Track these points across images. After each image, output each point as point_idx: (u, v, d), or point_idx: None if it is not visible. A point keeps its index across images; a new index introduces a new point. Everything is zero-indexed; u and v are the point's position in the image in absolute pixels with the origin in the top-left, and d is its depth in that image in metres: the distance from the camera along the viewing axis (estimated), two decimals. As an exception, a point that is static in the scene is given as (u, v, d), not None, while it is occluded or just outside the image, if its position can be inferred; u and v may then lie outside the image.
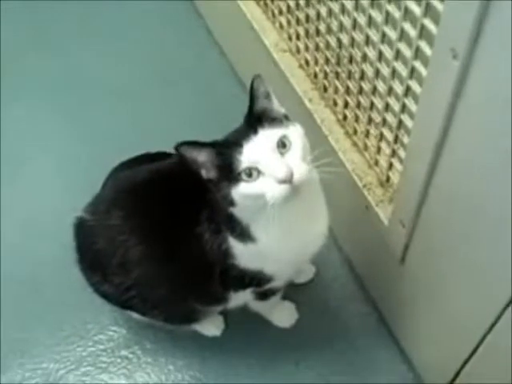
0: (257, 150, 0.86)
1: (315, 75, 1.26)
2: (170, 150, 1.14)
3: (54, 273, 1.43)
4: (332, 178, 0.93)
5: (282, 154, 0.87)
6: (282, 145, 0.87)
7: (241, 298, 1.14)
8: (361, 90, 1.09)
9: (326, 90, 1.25)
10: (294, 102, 1.28)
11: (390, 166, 1.09)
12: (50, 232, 1.49)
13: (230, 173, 0.87)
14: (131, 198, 1.06)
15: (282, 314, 1.35)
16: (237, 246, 0.98)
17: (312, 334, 1.35)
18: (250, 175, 0.86)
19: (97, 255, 1.09)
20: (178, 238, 1.01)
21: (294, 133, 0.90)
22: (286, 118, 0.95)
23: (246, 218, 0.94)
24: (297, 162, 0.87)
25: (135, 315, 1.22)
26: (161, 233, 1.03)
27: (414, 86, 0.90)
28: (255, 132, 0.87)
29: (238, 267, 1.01)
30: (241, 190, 0.87)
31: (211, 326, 1.34)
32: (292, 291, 1.34)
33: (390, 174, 1.11)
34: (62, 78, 1.82)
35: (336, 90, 1.19)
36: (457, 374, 1.11)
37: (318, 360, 1.32)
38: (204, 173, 0.90)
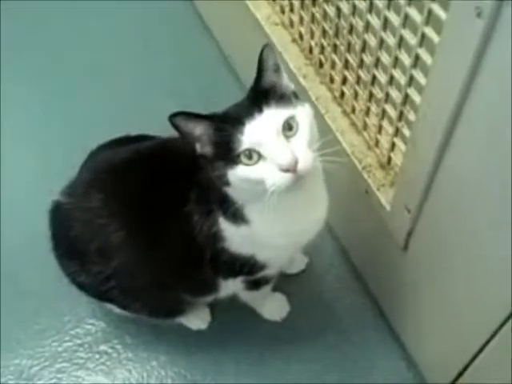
0: (260, 131, 0.78)
1: (310, 50, 1.17)
2: (153, 131, 1.07)
3: (27, 261, 1.34)
4: (335, 167, 0.84)
5: (287, 137, 0.79)
6: (289, 127, 0.80)
7: (230, 286, 1.06)
8: (361, 64, 1.00)
9: (321, 65, 1.16)
10: (289, 80, 1.19)
11: (393, 146, 1.01)
12: (23, 218, 1.39)
13: (227, 152, 0.79)
14: (111, 178, 0.98)
15: (273, 307, 1.27)
16: (228, 229, 0.90)
17: (304, 327, 1.27)
18: (249, 157, 0.79)
19: (74, 242, 1.01)
20: (164, 221, 0.93)
21: (303, 114, 0.82)
22: (295, 95, 0.86)
23: (242, 199, 0.86)
24: (303, 149, 0.79)
25: (115, 309, 1.13)
26: (144, 216, 0.94)
27: (424, 55, 0.81)
28: (260, 110, 0.79)
29: (229, 251, 0.93)
30: (238, 173, 0.80)
31: (197, 319, 1.26)
32: (283, 282, 1.26)
33: (392, 155, 1.02)
34: (41, 58, 1.71)
35: (333, 65, 1.11)
36: (462, 372, 1.04)
37: (311, 355, 1.24)
38: (198, 147, 0.83)
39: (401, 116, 0.94)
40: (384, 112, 0.99)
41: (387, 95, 0.96)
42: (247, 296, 1.14)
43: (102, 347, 1.26)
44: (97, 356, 1.24)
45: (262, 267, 0.98)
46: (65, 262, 1.06)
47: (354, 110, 1.10)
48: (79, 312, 1.29)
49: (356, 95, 1.07)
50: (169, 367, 1.23)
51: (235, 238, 0.92)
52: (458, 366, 1.04)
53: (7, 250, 1.35)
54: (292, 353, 1.24)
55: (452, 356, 1.06)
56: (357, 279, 1.31)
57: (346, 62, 1.05)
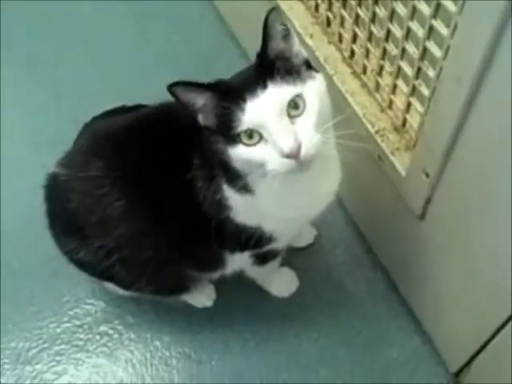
0: (262, 111, 0.72)
1: (316, 7, 1.10)
2: (150, 102, 1.00)
3: (21, 240, 1.28)
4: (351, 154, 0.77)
5: (292, 117, 0.73)
6: (294, 106, 0.73)
7: (237, 262, 1.00)
8: (374, 18, 0.93)
9: (329, 23, 1.08)
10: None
11: (408, 106, 0.94)
12: (14, 195, 1.33)
13: (227, 129, 0.74)
14: (110, 145, 0.91)
15: (281, 282, 1.21)
16: (233, 197, 0.84)
17: (314, 303, 1.21)
18: (250, 137, 0.73)
19: (72, 215, 0.94)
20: (166, 189, 0.87)
21: (312, 91, 0.75)
22: (308, 64, 0.79)
23: (245, 172, 0.79)
24: (308, 132, 0.73)
25: (118, 290, 1.08)
26: (146, 184, 0.88)
27: (447, 2, 0.74)
28: (264, 86, 0.72)
29: (234, 222, 0.87)
30: (238, 153, 0.75)
31: (201, 296, 1.20)
32: (292, 257, 1.20)
33: (408, 116, 0.95)
34: (31, 26, 1.63)
35: (342, 22, 1.03)
36: (479, 351, 0.98)
37: (322, 332, 1.18)
38: (201, 118, 0.77)
39: (418, 73, 0.87)
40: (399, 70, 0.92)
41: (403, 51, 0.88)
42: (254, 271, 1.08)
43: (103, 328, 1.19)
44: (97, 337, 1.18)
45: (268, 240, 0.92)
46: (62, 240, 1.00)
47: (365, 70, 1.03)
48: (78, 292, 1.23)
49: (367, 54, 0.99)
50: (173, 347, 1.17)
51: (240, 207, 0.86)
52: (475, 345, 0.98)
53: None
54: (302, 330, 1.18)
55: (469, 333, 1.00)
56: (367, 252, 1.25)
57: (357, 17, 0.97)
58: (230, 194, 0.84)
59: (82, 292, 1.23)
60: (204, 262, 0.99)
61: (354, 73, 1.05)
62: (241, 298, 1.20)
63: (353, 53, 1.04)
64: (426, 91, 0.86)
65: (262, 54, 0.75)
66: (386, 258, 1.22)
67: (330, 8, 1.05)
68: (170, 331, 1.19)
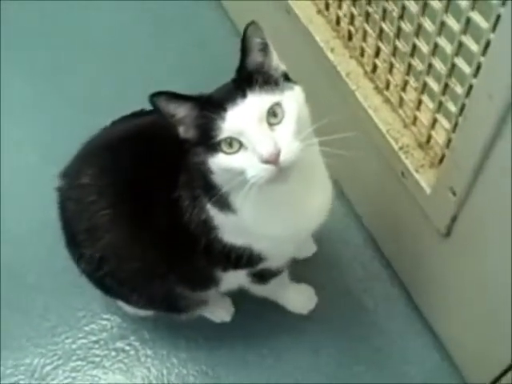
0: (242, 119, 0.73)
1: (337, 21, 1.09)
2: None
3: (35, 253, 1.27)
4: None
5: (271, 125, 0.74)
6: (273, 114, 0.74)
7: (232, 279, 0.98)
8: (399, 32, 0.92)
9: (350, 37, 1.07)
10: (314, 55, 1.11)
11: (434, 123, 0.92)
12: (27, 206, 1.32)
13: (208, 139, 0.74)
14: (103, 154, 0.93)
15: (299, 299, 1.19)
16: (217, 216, 0.84)
17: (332, 319, 1.19)
18: (230, 146, 0.74)
19: (68, 224, 0.96)
20: (154, 203, 0.87)
21: (290, 100, 0.75)
22: (286, 77, 0.79)
23: (225, 187, 0.78)
24: (287, 139, 0.73)
25: (124, 306, 1.06)
26: (134, 195, 0.88)
27: (477, 17, 0.72)
28: (243, 95, 0.73)
29: (222, 242, 0.87)
30: (218, 162, 0.75)
31: (220, 311, 1.18)
32: (308, 272, 1.19)
33: (433, 133, 0.94)
34: (41, 34, 1.62)
35: (364, 37, 1.02)
36: (504, 373, 0.96)
37: (340, 348, 1.17)
38: (182, 131, 0.78)
39: (445, 89, 0.86)
40: (425, 86, 0.90)
41: (429, 67, 0.87)
42: (258, 289, 1.06)
43: (119, 344, 1.18)
44: (113, 353, 1.17)
45: (258, 259, 0.90)
46: (69, 250, 1.00)
47: (388, 86, 1.01)
48: (93, 306, 1.21)
49: (391, 69, 0.98)
50: (190, 364, 1.16)
51: (226, 226, 0.85)
52: (499, 365, 0.96)
53: (11, 242, 1.28)
54: (319, 346, 1.16)
55: (493, 354, 0.98)
56: (386, 268, 1.23)
57: (381, 31, 0.96)
58: (214, 213, 0.83)
59: (98, 307, 1.21)
60: (193, 279, 0.97)
61: (376, 88, 1.04)
62: (258, 312, 1.17)
63: (375, 67, 1.03)
64: (453, 108, 0.85)
65: (241, 67, 0.76)
66: (405, 275, 1.20)
67: (351, 22, 1.04)
68: (186, 347, 1.17)
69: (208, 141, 0.74)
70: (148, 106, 1.00)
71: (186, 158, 0.80)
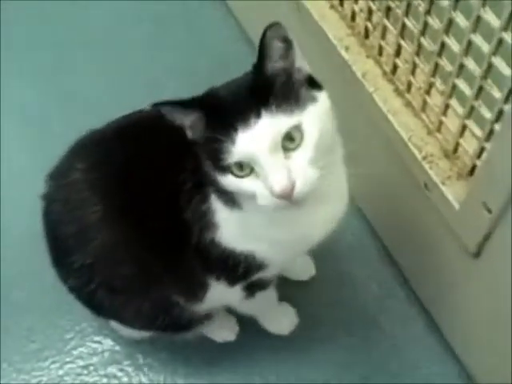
0: (254, 143, 0.65)
1: (353, 17, 0.99)
2: None
3: (20, 268, 1.17)
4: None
5: (287, 150, 0.66)
6: (290, 139, 0.66)
7: (221, 294, 0.88)
8: (424, 29, 0.82)
9: (367, 35, 0.97)
10: (327, 54, 1.01)
11: (463, 130, 0.82)
12: (15, 215, 1.22)
13: (216, 160, 0.67)
14: (95, 147, 0.85)
15: (280, 319, 1.09)
16: (221, 211, 0.76)
17: (345, 342, 1.10)
18: (241, 168, 0.67)
19: (54, 231, 0.87)
20: (150, 196, 0.80)
21: (312, 118, 0.66)
22: (311, 81, 0.70)
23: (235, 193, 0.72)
24: (303, 167, 0.66)
25: (120, 328, 0.98)
26: (128, 188, 0.80)
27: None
28: (257, 114, 0.65)
29: (220, 246, 0.79)
30: (228, 182, 0.69)
31: (222, 330, 1.09)
32: (319, 291, 1.11)
33: (462, 141, 0.84)
34: (40, 33, 1.52)
35: (384, 34, 0.92)
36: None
37: (354, 375, 1.07)
38: (190, 134, 0.71)
39: (479, 93, 0.76)
40: (454, 88, 0.81)
41: (461, 67, 0.77)
42: (245, 307, 0.97)
43: (111, 369, 1.09)
44: (104, 380, 1.07)
45: (259, 267, 0.82)
46: (57, 264, 0.91)
47: (409, 88, 0.91)
48: (83, 328, 1.12)
49: (414, 69, 0.88)
50: (188, 392, 1.06)
51: (228, 224, 0.77)
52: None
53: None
54: (332, 373, 1.07)
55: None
56: (404, 287, 1.13)
57: (403, 28, 0.86)
58: (218, 207, 0.76)
59: (88, 328, 1.12)
60: (187, 282, 0.88)
61: (396, 90, 0.94)
62: (263, 333, 1.08)
63: (395, 68, 0.93)
64: (488, 114, 0.75)
65: (258, 71, 0.67)
66: (425, 295, 1.10)
67: (369, 18, 0.94)
68: (185, 373, 1.08)
69: (217, 162, 0.68)
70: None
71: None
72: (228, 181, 0.68)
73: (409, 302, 1.12)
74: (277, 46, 0.67)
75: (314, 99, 0.68)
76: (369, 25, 0.95)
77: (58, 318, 1.12)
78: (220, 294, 0.88)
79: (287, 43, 0.68)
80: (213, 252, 0.80)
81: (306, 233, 0.80)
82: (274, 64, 0.67)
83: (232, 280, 0.85)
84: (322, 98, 0.69)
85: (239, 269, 0.81)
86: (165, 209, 0.79)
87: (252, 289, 0.90)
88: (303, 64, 0.70)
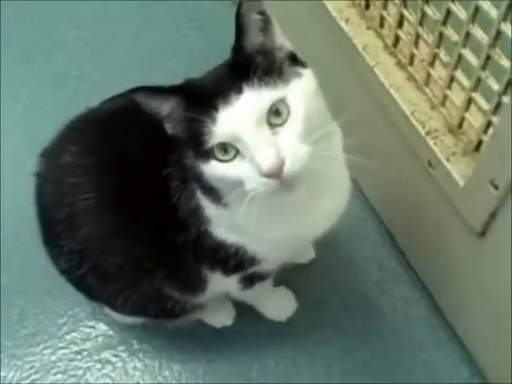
0: (237, 121, 0.61)
1: (353, -13, 0.95)
2: None
3: (11, 251, 1.14)
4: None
5: (273, 126, 0.62)
6: (276, 113, 0.62)
7: (220, 284, 0.85)
8: (428, -3, 0.78)
9: (368, 5, 0.93)
10: (326, 26, 0.98)
11: (468, 103, 0.78)
12: (5, 199, 1.19)
13: (198, 143, 0.63)
14: (88, 130, 0.82)
15: (277, 305, 1.06)
16: (208, 207, 0.73)
17: (346, 327, 1.06)
18: (225, 151, 0.63)
19: (46, 212, 0.84)
20: (143, 184, 0.76)
21: (297, 92, 0.62)
22: (293, 58, 0.66)
23: (220, 188, 0.68)
24: (293, 144, 0.61)
25: (113, 313, 0.95)
26: (120, 175, 0.77)
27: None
28: (239, 90, 0.61)
29: (212, 236, 0.75)
30: (211, 169, 0.64)
31: (219, 315, 1.06)
32: (318, 273, 1.07)
33: (467, 115, 0.80)
34: (33, 16, 1.47)
35: (385, 4, 0.88)
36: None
37: (355, 361, 1.03)
38: (168, 127, 0.67)
39: (486, 63, 0.72)
40: (459, 59, 0.77)
41: (467, 36, 0.73)
42: (241, 295, 0.94)
43: (104, 355, 1.06)
44: (98, 366, 1.05)
45: (252, 262, 0.78)
46: (48, 245, 0.88)
47: (412, 60, 0.87)
48: (76, 312, 1.09)
49: (417, 40, 0.84)
50: (184, 378, 1.03)
51: (217, 219, 0.74)
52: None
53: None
54: (332, 358, 1.03)
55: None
56: (406, 269, 1.10)
57: (406, -4, 0.82)
58: (205, 203, 0.72)
59: (82, 313, 1.09)
60: (181, 277, 0.85)
61: (398, 63, 0.90)
62: (262, 318, 1.05)
63: (397, 40, 0.89)
64: (495, 85, 0.71)
65: (237, 49, 0.64)
66: (428, 277, 1.07)
67: (369, -13, 0.91)
68: (181, 359, 1.05)
69: (198, 146, 0.63)
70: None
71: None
72: (212, 168, 0.64)
73: (411, 285, 1.09)
74: (254, 19, 0.63)
75: (298, 75, 0.64)
76: (369, -5, 0.92)
77: (51, 303, 1.09)
78: (217, 283, 0.85)
79: (265, 17, 0.64)
80: (205, 242, 0.76)
81: (297, 231, 0.75)
82: (254, 39, 0.64)
83: (226, 271, 0.82)
84: (307, 74, 0.65)
85: (231, 261, 0.77)
86: (157, 202, 0.76)
87: (249, 280, 0.86)
88: (284, 41, 0.67)
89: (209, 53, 1.34)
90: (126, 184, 0.77)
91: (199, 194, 0.72)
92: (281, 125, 0.62)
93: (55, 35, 1.42)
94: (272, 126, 0.62)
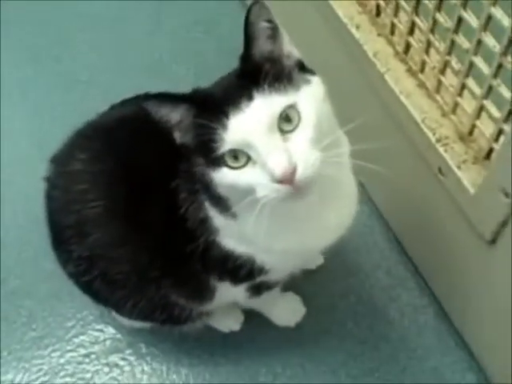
0: (248, 127, 0.61)
1: (364, -6, 0.95)
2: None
3: (20, 253, 1.14)
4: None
5: (284, 132, 0.62)
6: (286, 119, 0.62)
7: (228, 293, 0.85)
8: (440, 4, 0.78)
9: (379, 12, 0.93)
10: (336, 33, 0.97)
11: (480, 111, 0.78)
12: (15, 201, 1.19)
13: (208, 151, 0.63)
14: (97, 138, 0.82)
15: (285, 311, 1.06)
16: (217, 217, 0.72)
17: (352, 332, 1.06)
18: (235, 159, 0.63)
19: (55, 217, 0.85)
20: (152, 194, 0.76)
21: (307, 98, 0.62)
22: (302, 67, 0.66)
23: (230, 197, 0.68)
24: (304, 150, 0.61)
25: (124, 319, 0.96)
26: (129, 184, 0.77)
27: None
28: (249, 97, 0.61)
29: (220, 246, 0.75)
30: (222, 177, 0.64)
31: (227, 319, 1.06)
32: (326, 280, 1.06)
33: (478, 123, 0.80)
34: (40, 18, 1.48)
35: (396, 11, 0.88)
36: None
37: (362, 368, 1.03)
38: (177, 136, 0.67)
39: (498, 71, 0.72)
40: (471, 67, 0.77)
41: (478, 44, 0.73)
42: (249, 303, 0.94)
43: (112, 358, 1.06)
44: (106, 369, 1.05)
45: (259, 272, 0.78)
46: (56, 249, 0.88)
47: (423, 68, 0.87)
48: (84, 315, 1.09)
49: (428, 48, 0.84)
50: (191, 382, 1.03)
51: (226, 230, 0.74)
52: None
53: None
54: (339, 364, 1.03)
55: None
56: (413, 275, 1.10)
57: (418, 3, 0.82)
58: (214, 214, 0.72)
59: (90, 316, 1.09)
60: (188, 286, 0.85)
61: (409, 70, 0.90)
62: (270, 323, 1.05)
63: (408, 47, 0.89)
64: (507, 93, 0.71)
65: (246, 57, 0.64)
66: (436, 284, 1.07)
67: (380, -6, 0.91)
68: (188, 363, 1.05)
69: (209, 153, 0.63)
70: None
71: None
72: (222, 175, 0.63)
73: (419, 291, 1.09)
74: (263, 27, 0.63)
75: (307, 81, 0.65)
76: (381, 2, 0.91)
77: (59, 306, 1.09)
78: (225, 292, 0.85)
79: (273, 25, 0.64)
80: (213, 252, 0.76)
81: (307, 242, 0.75)
82: (262, 46, 0.64)
83: (234, 281, 0.82)
84: (316, 81, 0.66)
85: (239, 271, 0.77)
86: (165, 213, 0.76)
87: (257, 289, 0.86)
88: (292, 49, 0.67)
89: (218, 56, 1.36)
90: (133, 193, 0.77)
91: (207, 205, 0.72)
92: (291, 131, 0.62)
93: (65, 37, 1.43)
94: (283, 132, 0.62)
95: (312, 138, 0.62)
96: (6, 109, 1.33)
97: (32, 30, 1.45)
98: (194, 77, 1.31)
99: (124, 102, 0.86)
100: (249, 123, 0.61)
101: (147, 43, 1.41)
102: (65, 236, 0.83)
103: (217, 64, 1.26)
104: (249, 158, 0.62)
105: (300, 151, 0.61)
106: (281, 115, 0.61)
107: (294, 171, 0.60)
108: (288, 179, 0.60)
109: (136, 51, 1.39)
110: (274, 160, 0.60)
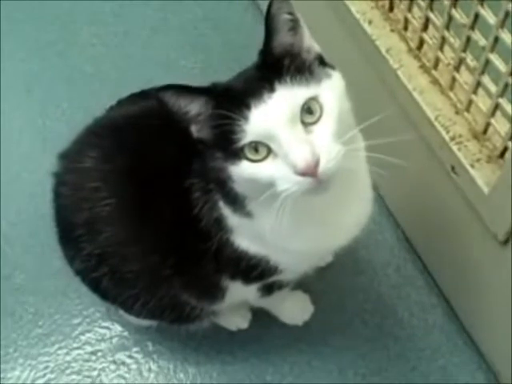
0: (270, 119, 0.60)
1: (377, -11, 0.94)
2: None
3: (26, 250, 1.13)
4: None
5: (306, 125, 0.61)
6: (309, 111, 0.61)
7: (239, 292, 0.85)
8: (456, 0, 0.77)
9: (392, 7, 0.92)
10: (348, 29, 0.97)
11: (495, 109, 0.77)
12: (20, 197, 1.18)
13: (228, 143, 0.62)
14: (108, 135, 0.82)
15: (293, 310, 1.05)
16: (231, 217, 0.72)
17: (361, 331, 1.05)
18: (256, 151, 0.61)
19: (64, 214, 0.85)
20: (164, 193, 0.76)
21: (329, 91, 0.62)
22: (322, 61, 0.65)
23: (247, 193, 0.67)
24: (327, 143, 0.61)
25: (131, 317, 0.95)
26: (142, 183, 0.77)
27: None
28: (271, 88, 0.61)
29: (233, 245, 0.75)
30: (241, 170, 0.63)
31: (235, 318, 1.05)
32: (334, 277, 1.05)
33: (493, 121, 0.79)
34: (43, 13, 1.45)
35: (410, 6, 0.87)
36: None
37: (370, 366, 1.03)
38: (195, 130, 0.65)
39: (514, 69, 0.71)
40: (486, 64, 0.75)
41: (496, 41, 0.72)
42: (259, 302, 0.94)
43: (119, 356, 1.05)
44: (112, 367, 1.04)
45: (273, 271, 0.77)
46: (62, 245, 0.88)
47: (437, 64, 0.86)
48: (91, 313, 1.08)
49: (442, 44, 0.83)
50: (199, 380, 1.02)
51: (241, 230, 0.73)
52: None
53: (1, 236, 1.14)
54: (347, 363, 1.03)
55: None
56: (422, 274, 1.09)
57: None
58: (228, 213, 0.71)
59: (96, 313, 1.08)
60: (199, 286, 0.85)
61: (422, 66, 0.89)
62: (278, 321, 1.04)
63: (422, 43, 0.88)
64: (523, 91, 0.70)
65: (266, 50, 0.63)
66: (446, 283, 1.06)
67: (394, -11, 0.89)
68: (195, 361, 1.04)
69: (228, 145, 0.62)
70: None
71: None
72: (242, 169, 0.62)
73: (428, 290, 1.08)
74: (284, 19, 0.63)
75: (328, 75, 0.64)
76: (394, -3, 0.90)
77: (66, 303, 1.09)
78: (236, 291, 0.84)
79: (294, 18, 0.64)
80: (226, 252, 0.76)
81: (322, 242, 0.75)
82: (283, 38, 0.63)
83: (247, 280, 0.81)
84: (337, 75, 0.65)
85: (252, 271, 0.77)
86: (177, 212, 0.75)
87: (269, 288, 0.86)
88: (312, 43, 0.66)
89: (225, 52, 1.34)
90: (145, 191, 0.77)
91: (221, 204, 0.72)
92: (314, 123, 0.61)
93: (71, 32, 1.41)
94: (305, 124, 0.61)
95: (334, 130, 0.61)
96: (11, 104, 1.31)
97: (37, 24, 1.43)
98: (200, 72, 1.30)
99: (139, 94, 0.85)
100: (271, 114, 0.60)
101: (154, 38, 1.39)
102: (75, 233, 0.82)
103: (224, 60, 1.28)
104: (269, 151, 0.61)
105: (322, 144, 0.60)
106: (303, 107, 0.61)
107: (316, 164, 0.59)
108: (311, 171, 0.59)
109: (142, 46, 1.38)
110: (296, 152, 0.59)
